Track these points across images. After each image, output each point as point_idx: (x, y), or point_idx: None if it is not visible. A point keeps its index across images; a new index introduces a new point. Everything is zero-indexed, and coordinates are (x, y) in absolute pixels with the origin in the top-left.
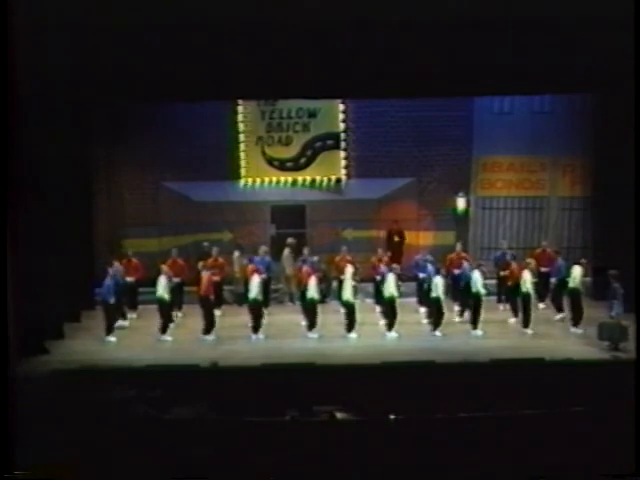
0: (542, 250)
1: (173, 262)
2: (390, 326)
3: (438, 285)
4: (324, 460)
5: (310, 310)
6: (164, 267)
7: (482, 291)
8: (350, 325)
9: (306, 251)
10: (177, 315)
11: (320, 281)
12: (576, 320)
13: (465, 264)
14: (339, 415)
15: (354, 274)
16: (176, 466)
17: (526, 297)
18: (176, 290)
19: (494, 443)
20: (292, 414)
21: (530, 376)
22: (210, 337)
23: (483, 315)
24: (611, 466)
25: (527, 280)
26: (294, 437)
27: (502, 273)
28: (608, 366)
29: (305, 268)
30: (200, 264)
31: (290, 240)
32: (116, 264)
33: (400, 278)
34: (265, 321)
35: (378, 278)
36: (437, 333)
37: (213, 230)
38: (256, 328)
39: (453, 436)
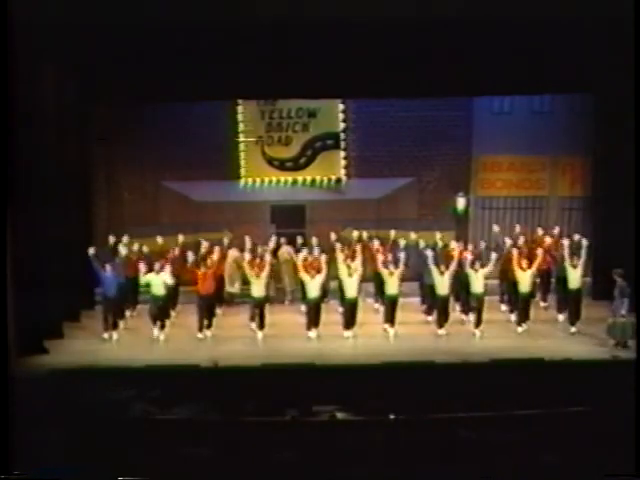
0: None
1: (171, 260)
2: (391, 323)
3: (444, 283)
4: (324, 460)
5: (311, 309)
6: (159, 265)
7: (480, 290)
8: (348, 323)
9: (305, 250)
10: (175, 314)
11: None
12: (572, 320)
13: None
14: (339, 415)
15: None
16: (176, 466)
17: (525, 296)
18: (173, 288)
19: (494, 443)
20: (292, 414)
21: (530, 376)
22: (202, 335)
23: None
24: (611, 466)
25: (525, 280)
26: (294, 437)
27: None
28: (608, 366)
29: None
30: (208, 260)
31: (283, 240)
32: (117, 261)
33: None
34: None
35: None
36: (440, 332)
37: (213, 230)
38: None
39: (453, 436)
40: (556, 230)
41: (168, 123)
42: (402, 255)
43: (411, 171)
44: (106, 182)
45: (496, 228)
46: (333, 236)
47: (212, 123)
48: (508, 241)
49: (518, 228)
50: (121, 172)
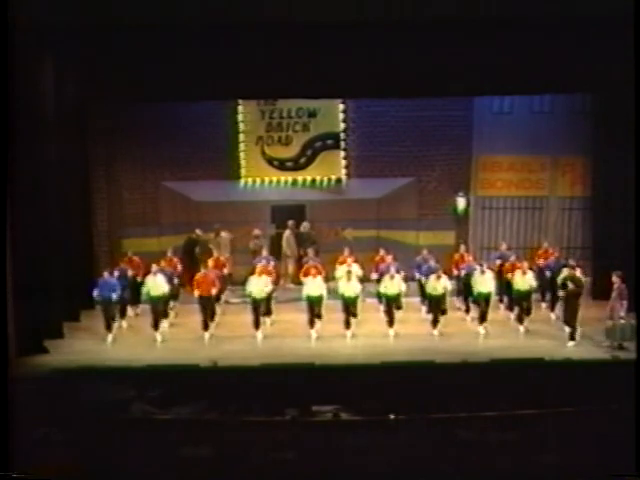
0: (544, 250)
1: (169, 260)
2: (391, 322)
3: (440, 283)
4: (324, 460)
5: (310, 308)
6: (156, 266)
7: (491, 290)
8: (348, 321)
9: (310, 251)
10: (175, 314)
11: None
12: (566, 319)
13: (472, 264)
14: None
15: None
16: (176, 466)
17: (524, 295)
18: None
19: (494, 443)
20: (292, 414)
21: (530, 376)
22: (208, 334)
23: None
24: (611, 466)
25: (524, 280)
26: (294, 437)
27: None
28: (608, 366)
29: (306, 266)
30: (211, 260)
31: (291, 222)
32: (122, 264)
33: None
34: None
35: (375, 276)
36: (434, 332)
37: (213, 230)
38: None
39: (453, 436)
40: (550, 249)
41: (168, 123)
42: (397, 278)
43: (411, 171)
44: (106, 182)
45: (504, 246)
46: (347, 251)
47: (212, 123)
48: (512, 257)
49: (504, 246)
50: (121, 172)
